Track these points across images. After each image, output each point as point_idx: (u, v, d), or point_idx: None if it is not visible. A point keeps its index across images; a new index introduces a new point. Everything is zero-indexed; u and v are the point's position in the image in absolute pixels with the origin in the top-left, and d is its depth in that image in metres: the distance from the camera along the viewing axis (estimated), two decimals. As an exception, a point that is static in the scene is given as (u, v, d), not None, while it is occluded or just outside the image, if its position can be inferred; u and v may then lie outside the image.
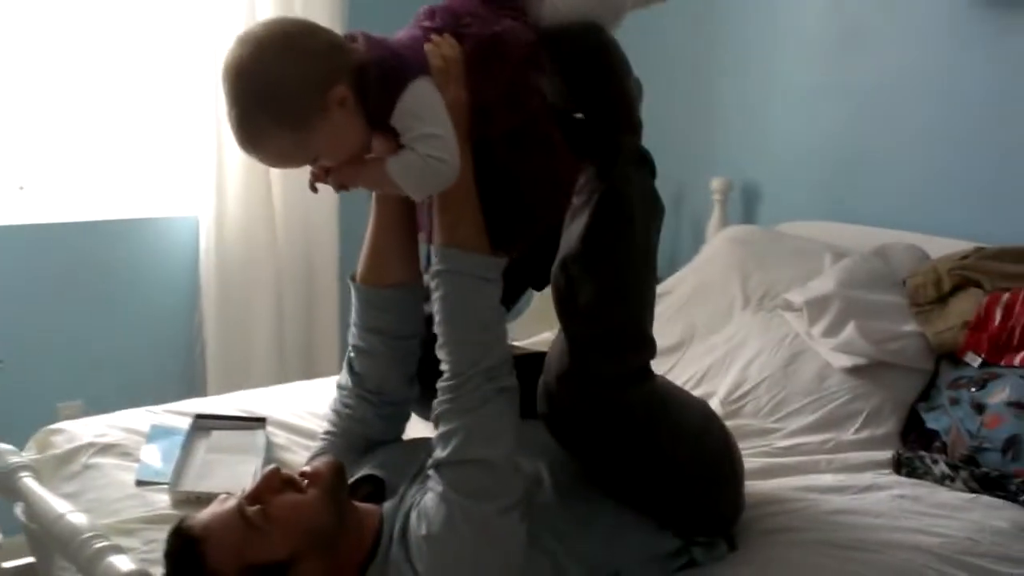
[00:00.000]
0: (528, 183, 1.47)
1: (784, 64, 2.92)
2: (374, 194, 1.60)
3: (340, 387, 1.68)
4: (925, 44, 2.57)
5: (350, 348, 1.65)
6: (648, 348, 1.51)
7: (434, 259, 1.45)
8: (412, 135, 1.38)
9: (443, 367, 1.43)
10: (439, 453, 1.39)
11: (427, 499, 1.37)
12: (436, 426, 1.43)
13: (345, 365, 1.67)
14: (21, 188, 2.89)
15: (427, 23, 1.46)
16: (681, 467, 1.50)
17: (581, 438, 1.47)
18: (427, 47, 1.41)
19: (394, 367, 1.62)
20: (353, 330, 1.64)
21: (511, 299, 1.57)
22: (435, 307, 1.45)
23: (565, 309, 1.46)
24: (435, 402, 1.43)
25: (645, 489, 1.50)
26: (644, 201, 1.50)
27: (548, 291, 1.54)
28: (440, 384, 1.43)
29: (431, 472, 1.40)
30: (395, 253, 1.60)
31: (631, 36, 1.76)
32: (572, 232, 1.46)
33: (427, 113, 1.38)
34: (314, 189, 1.52)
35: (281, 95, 1.33)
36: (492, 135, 1.45)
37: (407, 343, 1.62)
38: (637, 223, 1.47)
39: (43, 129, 2.90)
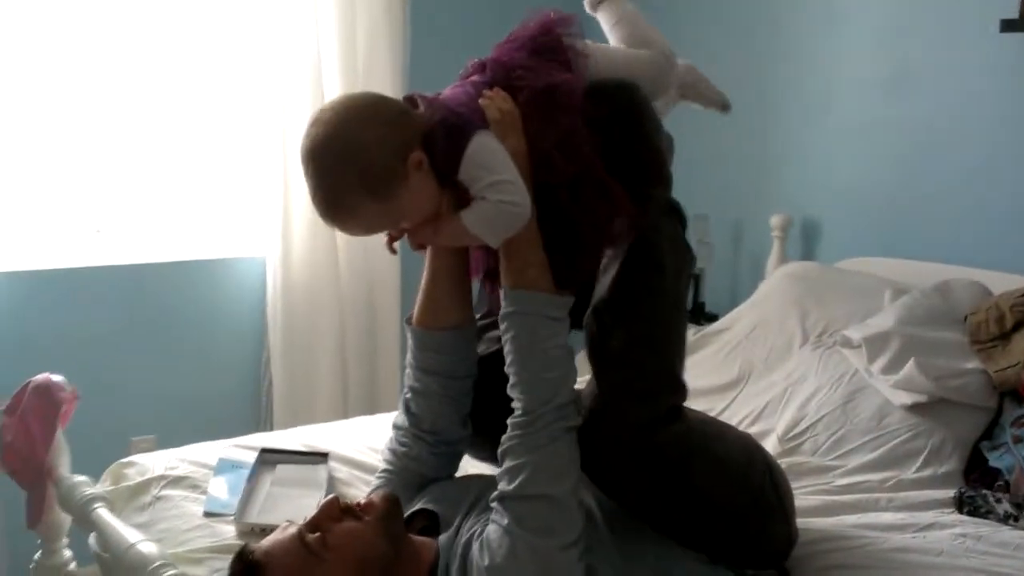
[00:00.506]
0: (588, 228, 1.51)
1: (842, 101, 2.92)
2: None
3: (396, 427, 1.72)
4: (981, 78, 2.56)
5: (406, 389, 1.70)
6: (679, 392, 1.51)
7: (503, 302, 1.49)
8: (481, 184, 1.43)
9: (515, 405, 1.47)
10: (505, 487, 1.42)
11: (490, 531, 1.40)
12: (502, 460, 1.45)
13: (401, 406, 1.71)
14: (98, 231, 3.01)
15: (477, 77, 1.52)
16: (721, 503, 1.50)
17: (615, 480, 1.48)
18: (482, 102, 1.47)
19: (448, 407, 1.66)
20: (409, 371, 1.69)
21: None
22: (505, 348, 1.49)
23: (597, 355, 1.48)
24: (504, 437, 1.46)
25: (687, 525, 1.50)
26: (674, 250, 1.52)
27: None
28: (511, 420, 1.46)
29: (495, 505, 1.43)
30: (449, 296, 1.64)
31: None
32: (604, 281, 1.49)
33: (492, 162, 1.43)
34: (392, 250, 1.58)
35: (367, 168, 1.39)
36: (552, 182, 1.49)
37: (461, 383, 1.66)
38: (667, 271, 1.50)
39: (118, 175, 3.02)
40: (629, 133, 1.54)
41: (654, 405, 1.44)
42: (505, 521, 1.39)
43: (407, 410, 1.69)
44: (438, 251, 1.63)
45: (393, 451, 1.70)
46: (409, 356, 1.69)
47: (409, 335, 1.68)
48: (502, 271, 1.52)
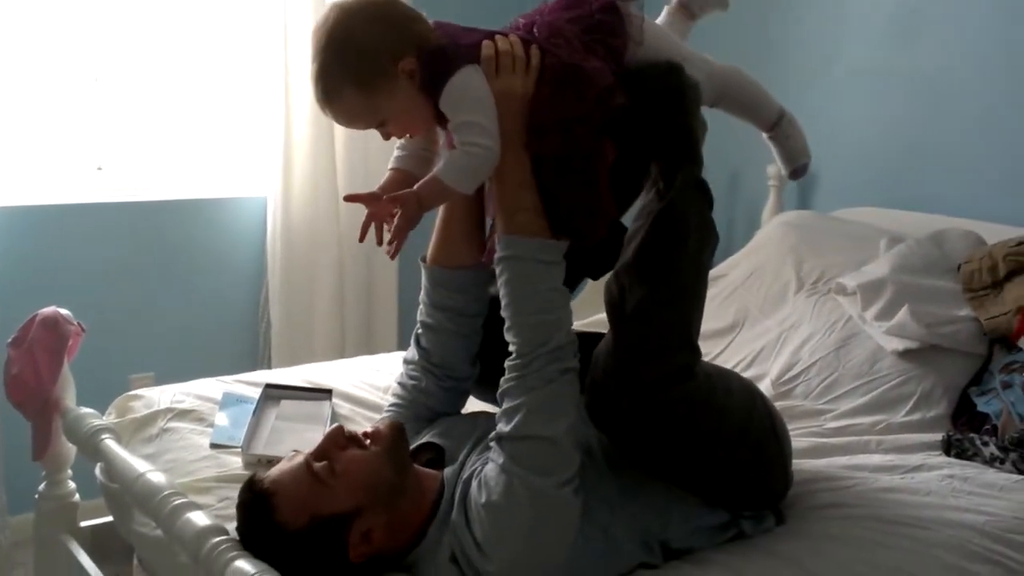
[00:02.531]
0: (566, 207, 1.53)
1: (842, 51, 2.92)
2: None
3: (407, 361, 1.76)
4: (983, 30, 2.57)
5: (418, 324, 1.74)
6: (693, 352, 1.53)
7: (497, 246, 1.51)
8: (452, 124, 1.47)
9: (511, 348, 1.49)
10: (503, 427, 1.45)
11: (488, 469, 1.44)
12: (501, 402, 1.49)
13: (413, 340, 1.76)
14: (99, 168, 3.01)
15: (515, 32, 1.53)
16: (726, 455, 1.53)
17: (625, 433, 1.50)
18: (484, 42, 1.49)
19: (459, 343, 1.71)
20: (422, 307, 1.73)
21: (569, 287, 1.62)
22: (501, 292, 1.51)
23: (616, 313, 1.50)
24: (502, 379, 1.49)
25: (691, 476, 1.54)
26: (700, 225, 1.54)
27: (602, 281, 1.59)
28: (507, 363, 1.49)
29: (493, 444, 1.46)
30: (464, 236, 1.67)
31: (692, 31, 1.81)
32: (629, 249, 1.51)
33: (466, 101, 1.46)
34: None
35: (356, 55, 1.45)
36: (541, 153, 1.51)
37: (473, 321, 1.70)
38: (691, 242, 1.51)
39: (121, 112, 3.01)
40: (668, 111, 1.55)
41: (668, 362, 1.46)
42: (502, 460, 1.42)
43: (417, 344, 1.74)
44: None
45: (402, 384, 1.75)
46: (422, 293, 1.72)
47: (423, 272, 1.72)
48: (496, 216, 1.54)
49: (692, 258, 1.53)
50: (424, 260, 1.72)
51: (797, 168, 1.80)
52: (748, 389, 1.69)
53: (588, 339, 1.58)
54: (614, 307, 1.50)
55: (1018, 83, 2.50)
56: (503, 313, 1.51)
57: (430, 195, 1.48)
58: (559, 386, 1.46)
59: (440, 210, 1.69)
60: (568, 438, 1.44)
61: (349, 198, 1.58)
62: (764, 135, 1.80)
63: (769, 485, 1.62)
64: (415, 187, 1.48)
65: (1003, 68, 2.53)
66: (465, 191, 1.49)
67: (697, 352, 1.54)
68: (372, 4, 1.48)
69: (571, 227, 1.53)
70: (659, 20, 1.77)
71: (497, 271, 1.52)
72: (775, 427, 1.64)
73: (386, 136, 1.57)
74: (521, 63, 1.49)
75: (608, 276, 1.55)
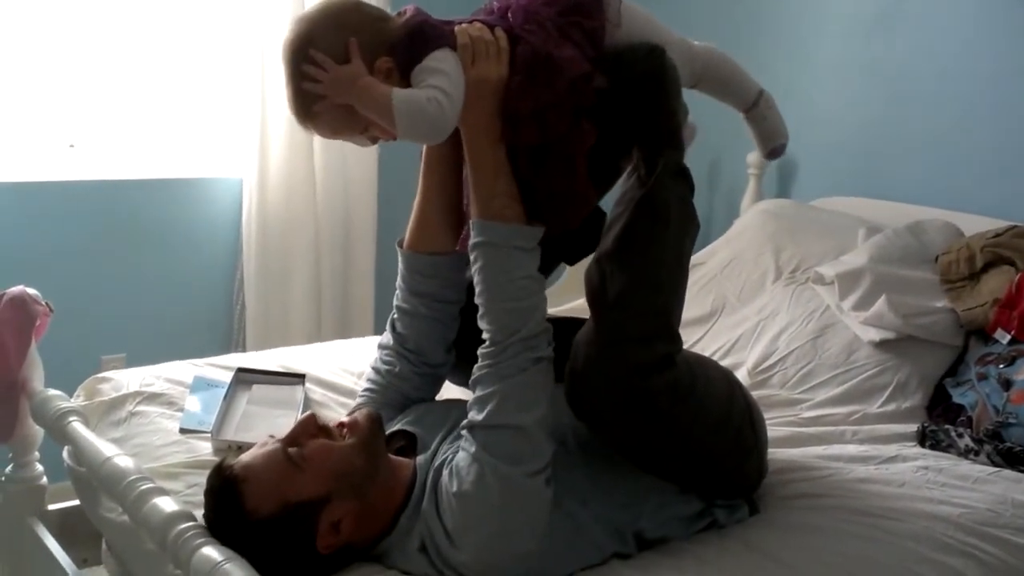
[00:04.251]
0: (544, 195, 1.51)
1: (822, 42, 2.91)
2: (423, 165, 1.67)
3: (382, 346, 1.75)
4: (962, 22, 2.57)
5: (394, 309, 1.72)
6: (674, 340, 1.51)
7: (472, 232, 1.50)
8: (414, 73, 1.44)
9: (484, 335, 1.48)
10: (475, 416, 1.44)
11: (459, 458, 1.42)
12: (474, 390, 1.47)
13: (388, 325, 1.74)
14: (72, 146, 2.97)
15: (485, 17, 1.51)
16: (704, 445, 1.52)
17: (605, 421, 1.48)
18: (456, 28, 1.47)
19: (434, 329, 1.69)
20: (398, 292, 1.71)
21: (545, 273, 1.60)
22: (475, 278, 1.50)
23: (597, 301, 1.47)
24: (475, 367, 1.48)
25: (668, 464, 1.53)
26: (681, 209, 1.51)
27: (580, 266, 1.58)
28: (480, 351, 1.48)
29: (465, 433, 1.45)
30: (442, 222, 1.66)
31: (672, 14, 1.79)
32: (609, 235, 1.49)
33: (441, 71, 1.43)
34: None
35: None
36: (516, 143, 1.49)
37: (450, 307, 1.69)
38: (672, 227, 1.49)
39: (94, 89, 2.97)
40: (649, 95, 1.53)
41: (649, 350, 1.44)
42: (473, 448, 1.41)
43: (393, 329, 1.72)
44: (430, 176, 1.65)
45: (376, 370, 1.73)
46: (399, 278, 1.71)
47: (400, 258, 1.70)
48: (471, 201, 1.52)
49: (673, 245, 1.51)
50: (400, 245, 1.71)
51: (775, 148, 1.78)
52: (727, 378, 1.69)
53: (564, 324, 1.57)
54: (595, 295, 1.48)
55: (996, 74, 2.50)
56: (477, 300, 1.50)
57: (372, 96, 1.41)
58: (532, 375, 1.45)
59: (417, 195, 1.68)
60: (540, 427, 1.43)
61: None
62: (741, 115, 1.77)
63: (744, 474, 1.62)
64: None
65: (982, 59, 2.53)
66: (398, 131, 1.43)
67: (678, 341, 1.53)
68: (334, 12, 1.46)
69: (547, 215, 1.52)
70: None
71: (471, 257, 1.50)
72: (752, 417, 1.64)
73: (373, 140, 1.54)
74: (494, 48, 1.47)
75: (588, 263, 1.53)
